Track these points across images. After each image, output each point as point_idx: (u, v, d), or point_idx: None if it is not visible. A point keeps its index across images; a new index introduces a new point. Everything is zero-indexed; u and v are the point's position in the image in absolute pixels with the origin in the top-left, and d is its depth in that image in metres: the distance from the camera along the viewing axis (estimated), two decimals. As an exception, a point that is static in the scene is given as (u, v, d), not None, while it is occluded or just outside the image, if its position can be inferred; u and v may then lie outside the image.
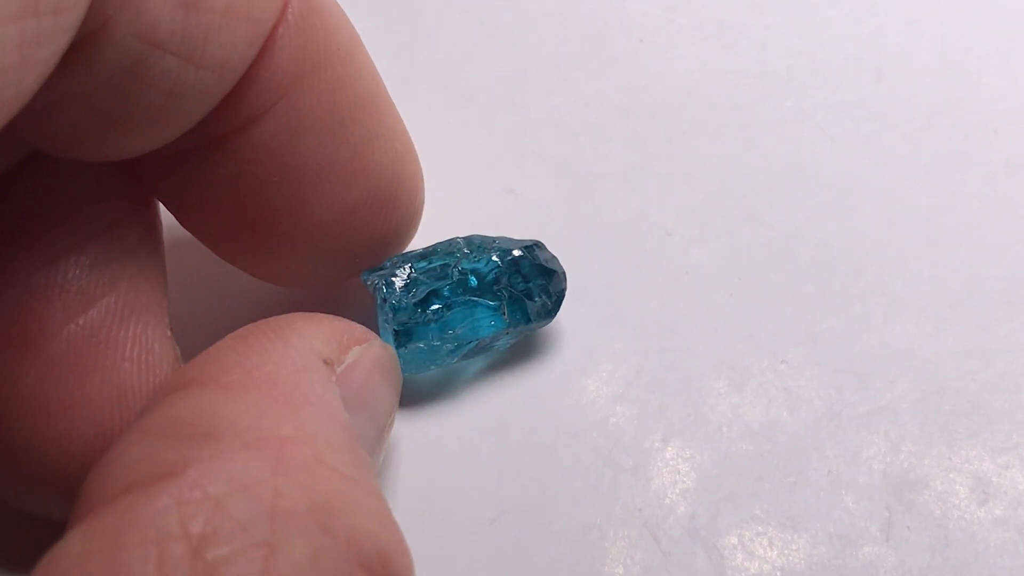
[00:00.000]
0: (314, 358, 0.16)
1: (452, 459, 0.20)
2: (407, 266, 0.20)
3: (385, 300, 0.20)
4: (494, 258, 0.20)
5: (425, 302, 0.20)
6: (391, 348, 0.18)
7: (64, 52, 0.13)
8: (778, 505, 0.20)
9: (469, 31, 0.30)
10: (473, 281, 0.20)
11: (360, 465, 0.14)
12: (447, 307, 0.20)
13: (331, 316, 0.17)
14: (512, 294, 0.20)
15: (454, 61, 0.29)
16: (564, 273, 0.21)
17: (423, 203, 0.21)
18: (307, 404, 0.15)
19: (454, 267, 0.20)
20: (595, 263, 0.24)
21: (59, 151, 0.16)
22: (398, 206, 0.20)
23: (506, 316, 0.20)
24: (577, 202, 0.25)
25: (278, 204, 0.18)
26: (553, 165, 0.26)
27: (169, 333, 0.18)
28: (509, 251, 0.21)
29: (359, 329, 0.18)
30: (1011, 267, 0.23)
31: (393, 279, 0.20)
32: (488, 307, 0.20)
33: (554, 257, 0.21)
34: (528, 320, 0.21)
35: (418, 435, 0.21)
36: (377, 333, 0.19)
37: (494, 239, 0.21)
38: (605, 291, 0.23)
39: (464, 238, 0.21)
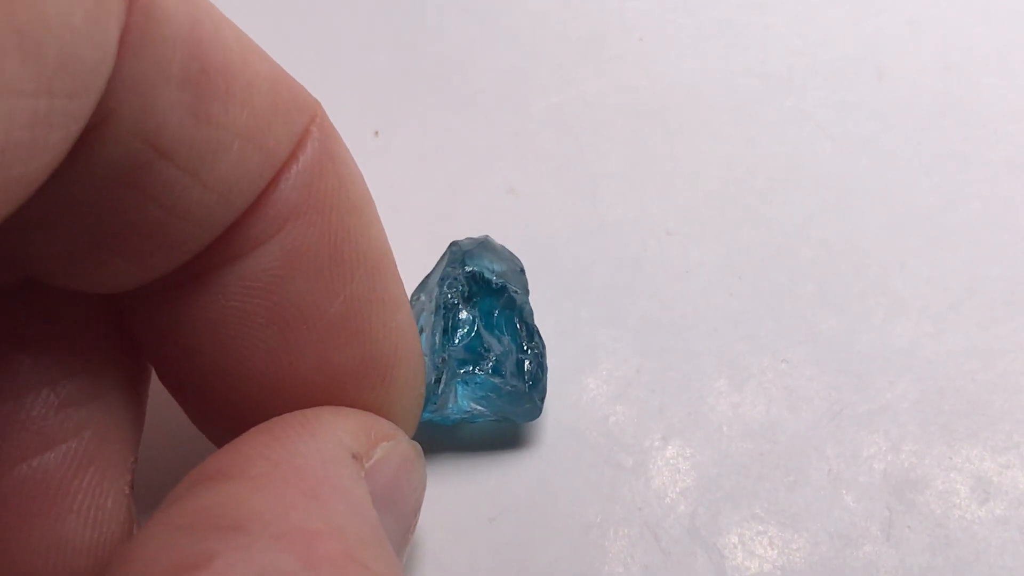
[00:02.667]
0: (342, 451, 0.15)
1: (452, 459, 0.20)
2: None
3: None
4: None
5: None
6: (417, 445, 0.18)
7: (74, 140, 0.12)
8: (778, 504, 0.20)
9: (469, 31, 0.30)
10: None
11: (389, 563, 0.14)
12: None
13: (358, 411, 0.17)
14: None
15: (454, 61, 0.29)
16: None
17: (424, 395, 0.19)
18: (336, 498, 0.14)
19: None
20: (595, 263, 0.24)
21: (50, 274, 0.15)
22: (394, 386, 0.18)
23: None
24: (577, 202, 0.25)
25: (260, 351, 0.16)
26: (553, 165, 0.26)
27: (128, 491, 0.17)
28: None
29: (387, 425, 0.17)
30: (1011, 267, 0.23)
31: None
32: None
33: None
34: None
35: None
36: None
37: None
38: (605, 291, 0.23)
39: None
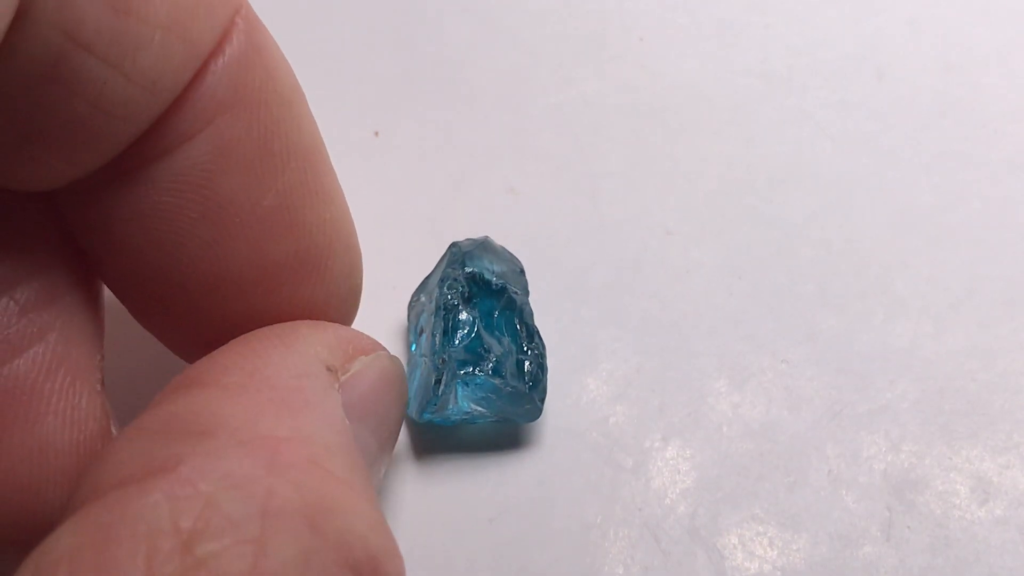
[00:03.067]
0: (317, 364, 0.16)
1: (452, 459, 0.20)
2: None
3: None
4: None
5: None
6: (399, 361, 0.18)
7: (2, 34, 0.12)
8: (778, 505, 0.20)
9: (469, 31, 0.30)
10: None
11: (356, 470, 0.14)
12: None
13: (338, 325, 0.17)
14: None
15: (454, 61, 0.29)
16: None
17: (360, 287, 0.19)
18: (306, 408, 0.14)
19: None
20: (595, 263, 0.24)
21: None
22: (328, 277, 0.18)
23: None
24: (577, 202, 0.25)
25: (194, 246, 0.17)
26: (553, 165, 0.26)
27: (100, 388, 0.17)
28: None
29: (367, 340, 0.17)
30: (1011, 267, 0.23)
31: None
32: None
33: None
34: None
35: (419, 436, 0.21)
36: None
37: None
38: (605, 291, 0.23)
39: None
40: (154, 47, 0.14)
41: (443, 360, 0.19)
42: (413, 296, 0.22)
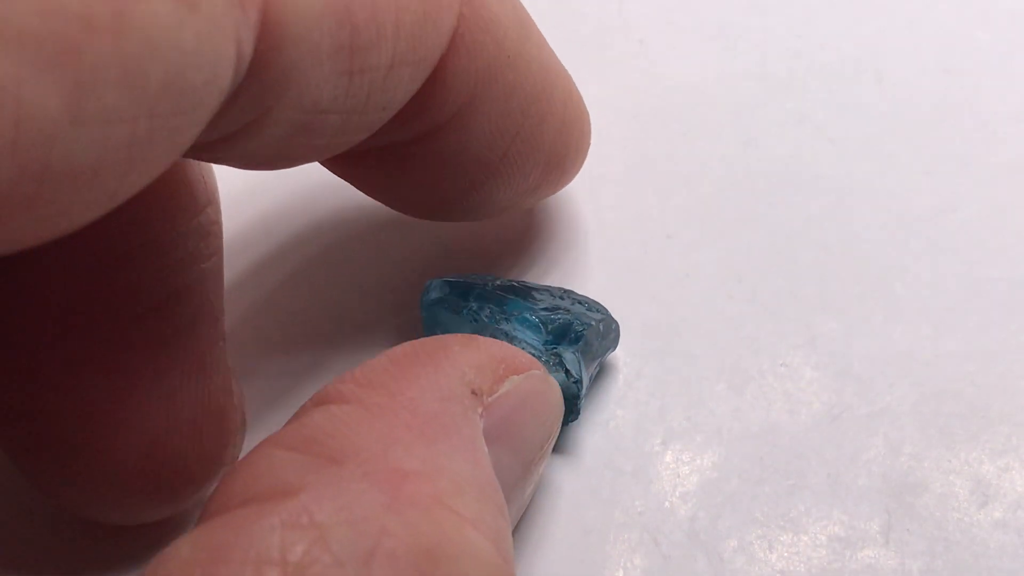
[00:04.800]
0: (462, 386, 0.15)
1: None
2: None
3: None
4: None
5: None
6: (554, 382, 0.18)
7: (184, 150, 0.12)
8: (778, 508, 0.20)
9: (469, 32, 0.30)
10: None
11: (486, 505, 0.14)
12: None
13: (492, 341, 0.17)
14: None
15: (454, 62, 0.29)
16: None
17: (589, 136, 0.22)
18: (442, 436, 0.14)
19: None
20: (595, 265, 0.24)
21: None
22: (570, 168, 0.21)
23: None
24: (577, 202, 0.25)
25: (454, 193, 0.20)
26: (553, 167, 0.26)
27: (222, 343, 0.18)
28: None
29: (522, 358, 0.17)
30: (1011, 269, 0.23)
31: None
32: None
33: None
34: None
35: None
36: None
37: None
38: (605, 294, 0.23)
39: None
40: (388, 84, 0.15)
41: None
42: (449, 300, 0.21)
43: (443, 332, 0.20)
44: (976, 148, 0.26)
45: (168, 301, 0.17)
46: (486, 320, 0.20)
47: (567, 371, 0.19)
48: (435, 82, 0.17)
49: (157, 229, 0.17)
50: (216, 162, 0.17)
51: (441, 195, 0.20)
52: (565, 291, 0.21)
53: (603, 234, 0.25)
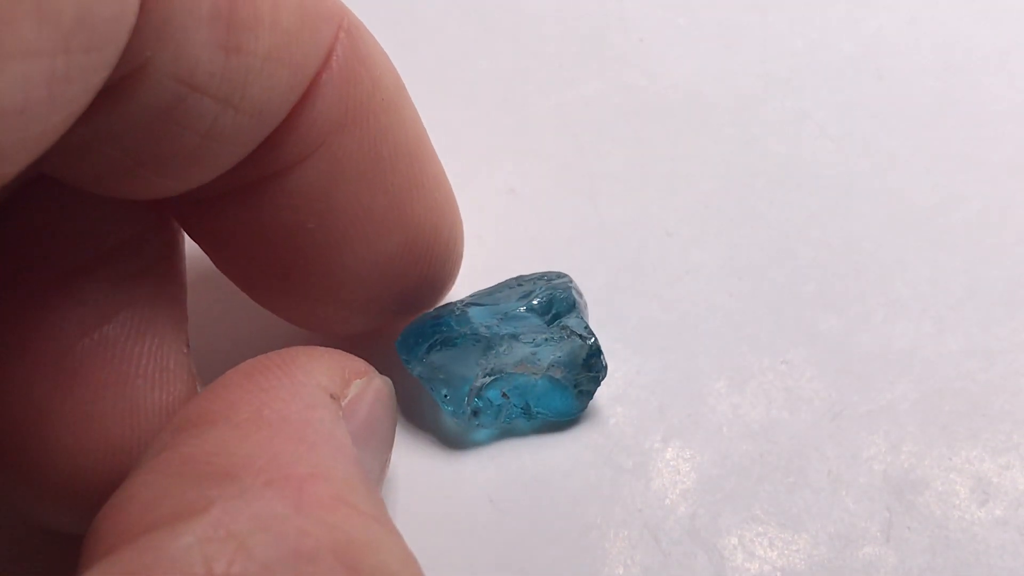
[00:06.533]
0: (321, 394, 0.16)
1: (452, 460, 0.20)
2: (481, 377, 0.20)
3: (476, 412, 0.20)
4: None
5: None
6: (389, 381, 0.18)
7: (97, 91, 0.13)
8: (778, 505, 0.20)
9: (469, 31, 0.30)
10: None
11: (377, 502, 0.14)
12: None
13: (330, 349, 0.17)
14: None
15: (454, 61, 0.29)
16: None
17: (462, 254, 0.21)
18: (321, 441, 0.14)
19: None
20: (595, 263, 0.24)
21: (90, 187, 0.16)
22: (436, 258, 0.20)
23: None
24: (577, 202, 0.25)
25: (313, 252, 0.18)
26: (553, 165, 0.26)
27: (186, 350, 0.18)
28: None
29: (359, 362, 0.17)
30: (1011, 267, 0.23)
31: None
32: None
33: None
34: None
35: (419, 436, 0.21)
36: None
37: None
38: (605, 291, 0.23)
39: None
40: (262, 78, 0.15)
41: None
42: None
43: (450, 375, 0.20)
44: (976, 146, 0.26)
45: (128, 309, 0.17)
46: (487, 333, 0.20)
47: (580, 336, 0.20)
48: (308, 102, 0.16)
49: (114, 238, 0.17)
50: (82, 181, 0.16)
51: (299, 260, 0.18)
52: (512, 279, 0.22)
53: (603, 232, 0.25)
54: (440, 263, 0.20)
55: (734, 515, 0.20)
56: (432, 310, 0.21)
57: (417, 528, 0.19)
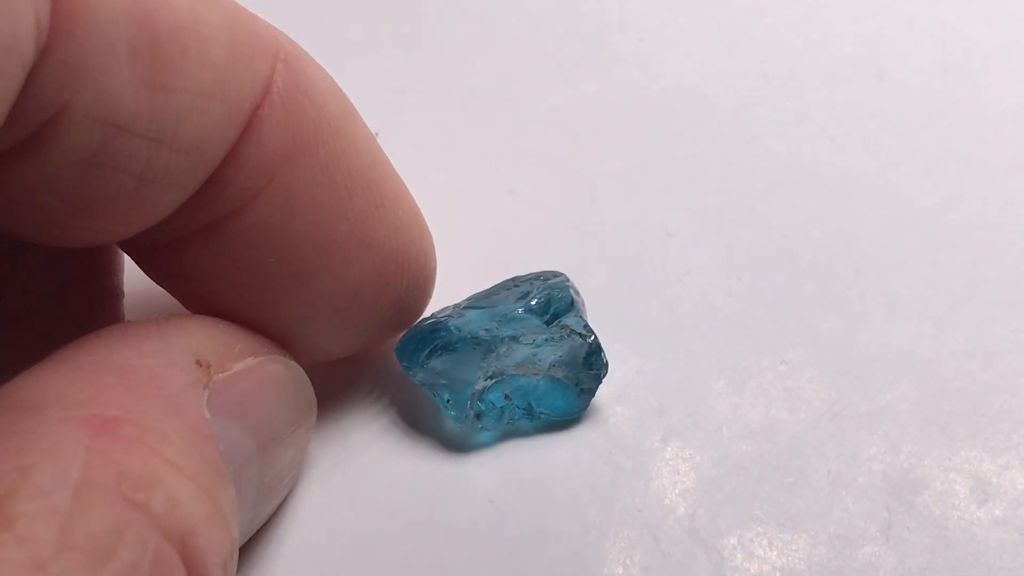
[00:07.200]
0: (185, 356, 0.15)
1: (451, 460, 0.20)
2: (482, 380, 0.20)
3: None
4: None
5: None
6: (299, 368, 0.18)
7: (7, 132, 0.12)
8: (778, 505, 0.20)
9: (469, 31, 0.30)
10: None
11: (192, 456, 0.14)
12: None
13: (231, 324, 0.17)
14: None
15: (454, 61, 0.29)
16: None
17: (435, 271, 0.20)
18: (154, 395, 0.14)
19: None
20: (595, 263, 0.24)
21: (33, 238, 0.16)
22: (406, 278, 0.19)
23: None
24: (577, 202, 0.25)
25: (278, 285, 0.17)
26: (553, 165, 0.26)
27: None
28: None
29: (262, 343, 0.17)
30: (1011, 267, 0.23)
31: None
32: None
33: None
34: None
35: (418, 436, 0.21)
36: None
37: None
38: (605, 291, 0.23)
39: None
40: (194, 115, 0.15)
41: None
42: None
43: (452, 379, 0.20)
44: (976, 146, 0.26)
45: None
46: (487, 336, 0.20)
47: (580, 334, 0.20)
48: (251, 137, 0.16)
49: (48, 284, 0.17)
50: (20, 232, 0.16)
51: (264, 294, 0.18)
52: (508, 280, 0.22)
53: (603, 232, 0.25)
54: (412, 282, 0.19)
55: (733, 515, 0.20)
56: (429, 316, 0.21)
57: (417, 528, 0.19)
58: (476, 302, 0.21)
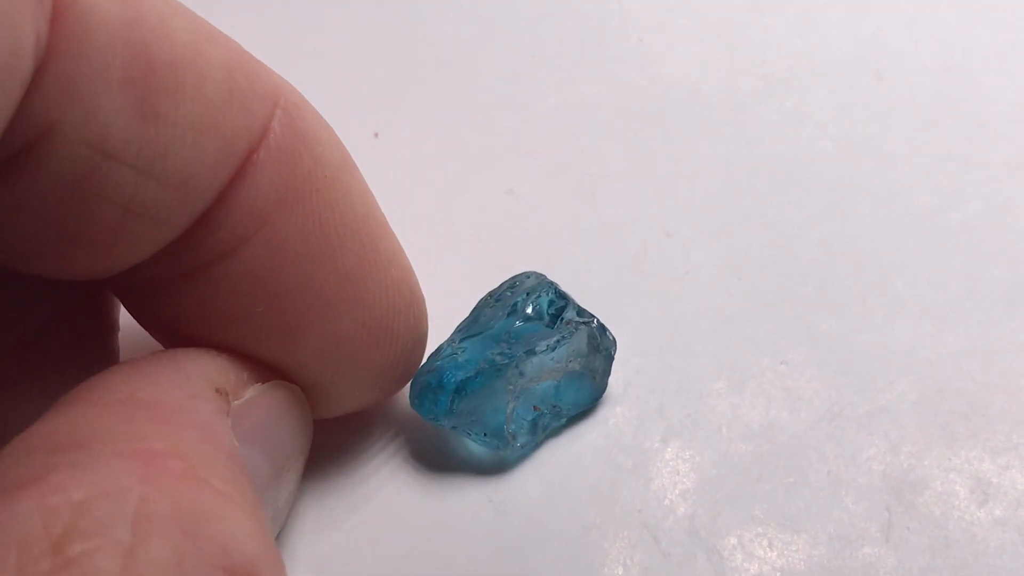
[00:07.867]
0: (206, 386, 0.15)
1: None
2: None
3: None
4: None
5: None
6: (300, 392, 0.18)
7: None
8: (778, 506, 0.20)
9: (469, 31, 0.30)
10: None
11: (238, 484, 0.14)
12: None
13: (236, 354, 0.17)
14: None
15: (454, 61, 0.29)
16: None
17: (426, 335, 0.20)
18: (189, 426, 0.14)
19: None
20: (595, 263, 0.24)
21: (20, 267, 0.16)
22: (396, 340, 0.18)
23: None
24: (577, 202, 0.25)
25: (264, 335, 0.17)
26: (553, 165, 0.26)
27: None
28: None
29: (263, 369, 0.17)
30: (1011, 267, 0.23)
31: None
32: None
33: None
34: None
35: (418, 436, 0.21)
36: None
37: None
38: (605, 291, 0.23)
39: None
40: (184, 149, 0.14)
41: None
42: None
43: (482, 414, 0.20)
44: (976, 146, 0.26)
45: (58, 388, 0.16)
46: (503, 360, 0.19)
47: (583, 322, 0.20)
48: (245, 180, 0.16)
49: (41, 317, 0.17)
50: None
51: (250, 343, 0.17)
52: (483, 299, 0.21)
53: (603, 232, 0.25)
54: (402, 345, 0.19)
55: (733, 515, 0.20)
56: (426, 363, 0.20)
57: (418, 528, 0.19)
58: (467, 332, 0.20)
